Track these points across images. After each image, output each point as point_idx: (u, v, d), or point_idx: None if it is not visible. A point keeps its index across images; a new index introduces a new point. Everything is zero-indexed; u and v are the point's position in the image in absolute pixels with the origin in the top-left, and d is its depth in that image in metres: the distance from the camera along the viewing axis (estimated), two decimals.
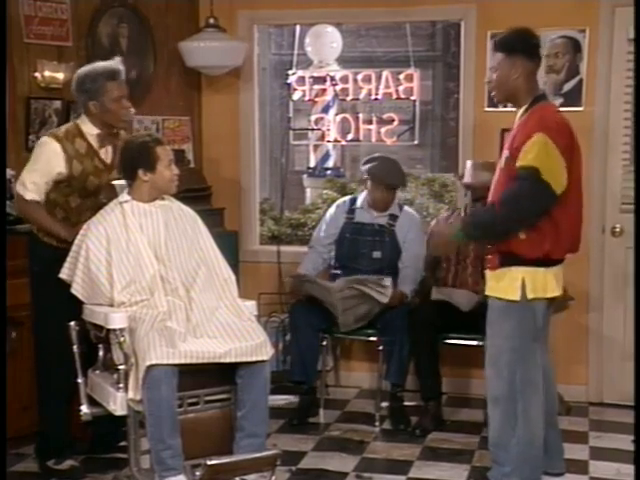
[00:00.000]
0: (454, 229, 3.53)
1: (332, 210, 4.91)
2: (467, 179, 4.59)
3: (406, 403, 4.66)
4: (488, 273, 3.50)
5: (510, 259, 3.37)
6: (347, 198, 4.96)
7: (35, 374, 3.87)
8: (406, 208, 4.87)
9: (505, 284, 3.38)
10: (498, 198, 3.37)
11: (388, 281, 4.55)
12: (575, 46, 4.81)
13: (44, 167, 3.67)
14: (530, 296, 3.35)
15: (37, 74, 4.39)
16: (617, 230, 4.84)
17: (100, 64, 3.75)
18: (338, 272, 4.78)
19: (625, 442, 4.15)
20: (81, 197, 3.73)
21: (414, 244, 4.72)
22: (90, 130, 3.72)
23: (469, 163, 4.63)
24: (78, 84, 3.72)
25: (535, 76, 3.49)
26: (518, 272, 3.35)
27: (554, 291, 3.42)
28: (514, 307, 3.37)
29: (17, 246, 3.96)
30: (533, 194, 3.27)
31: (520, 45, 3.42)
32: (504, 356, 3.42)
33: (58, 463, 3.85)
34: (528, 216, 3.30)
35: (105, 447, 4.00)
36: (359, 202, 4.82)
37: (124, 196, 3.49)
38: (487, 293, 3.50)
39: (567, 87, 4.84)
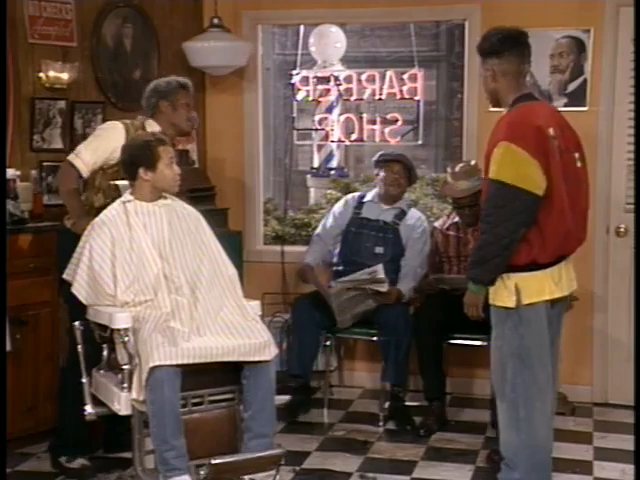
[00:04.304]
0: (470, 289, 3.44)
1: (341, 203, 4.96)
2: (449, 188, 4.60)
3: (410, 403, 4.66)
4: None
5: None
6: (356, 194, 5.04)
7: (60, 371, 3.88)
8: (413, 210, 4.92)
9: (500, 292, 3.33)
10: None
11: (381, 271, 4.55)
12: (579, 46, 4.80)
13: (102, 142, 3.77)
14: (526, 301, 3.30)
15: (41, 74, 4.39)
16: (622, 230, 4.83)
17: (173, 77, 3.96)
18: (340, 268, 4.80)
19: (630, 443, 4.13)
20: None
21: (417, 242, 4.77)
22: (153, 127, 3.83)
23: (449, 170, 4.64)
24: (151, 89, 3.91)
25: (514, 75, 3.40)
26: (511, 279, 3.29)
27: (553, 293, 3.35)
28: (511, 314, 3.34)
29: (21, 245, 3.97)
30: (505, 204, 3.21)
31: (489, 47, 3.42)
32: (506, 361, 3.40)
33: (70, 461, 3.86)
34: (513, 226, 3.22)
35: (118, 446, 3.99)
36: (369, 196, 4.89)
37: (127, 196, 3.49)
38: (489, 302, 3.47)
39: (571, 87, 4.84)
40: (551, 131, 3.27)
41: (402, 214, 4.81)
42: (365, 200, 4.88)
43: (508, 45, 3.37)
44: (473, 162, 4.63)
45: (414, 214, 4.86)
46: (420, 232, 4.79)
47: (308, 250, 4.88)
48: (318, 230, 4.94)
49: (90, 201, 3.81)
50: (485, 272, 3.32)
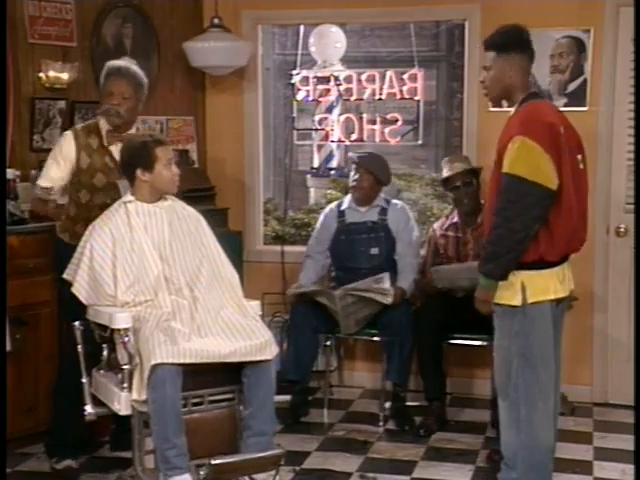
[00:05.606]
0: (480, 284, 3.40)
1: (322, 218, 4.92)
2: (444, 174, 4.70)
3: (410, 403, 4.66)
4: None
5: None
6: (333, 204, 4.97)
7: (57, 371, 3.89)
8: (393, 201, 4.88)
9: (505, 290, 3.31)
10: (491, 222, 3.30)
11: (387, 280, 4.54)
12: (579, 46, 4.80)
13: (59, 156, 3.77)
14: (531, 300, 3.29)
15: (41, 74, 4.39)
16: (622, 230, 4.83)
17: (115, 60, 3.88)
18: (340, 273, 4.79)
19: (630, 443, 4.13)
20: (90, 193, 3.78)
21: (406, 232, 4.76)
22: (104, 127, 3.80)
23: (445, 160, 4.79)
24: None
25: (524, 73, 3.41)
26: (517, 277, 3.28)
27: (557, 292, 3.35)
28: (517, 312, 3.33)
29: (21, 245, 3.97)
30: (519, 198, 3.20)
31: (513, 41, 3.39)
32: (509, 360, 3.39)
33: (57, 462, 3.87)
34: (528, 221, 3.22)
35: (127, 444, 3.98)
36: (346, 203, 4.85)
37: (128, 196, 3.49)
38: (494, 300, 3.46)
39: (571, 87, 4.84)
40: (562, 129, 3.29)
41: (384, 210, 4.78)
42: (343, 207, 4.84)
43: (519, 43, 3.39)
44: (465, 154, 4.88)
45: (396, 206, 4.82)
46: (405, 221, 4.77)
47: (302, 271, 4.84)
48: (306, 250, 4.91)
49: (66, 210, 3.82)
50: (497, 267, 3.29)
